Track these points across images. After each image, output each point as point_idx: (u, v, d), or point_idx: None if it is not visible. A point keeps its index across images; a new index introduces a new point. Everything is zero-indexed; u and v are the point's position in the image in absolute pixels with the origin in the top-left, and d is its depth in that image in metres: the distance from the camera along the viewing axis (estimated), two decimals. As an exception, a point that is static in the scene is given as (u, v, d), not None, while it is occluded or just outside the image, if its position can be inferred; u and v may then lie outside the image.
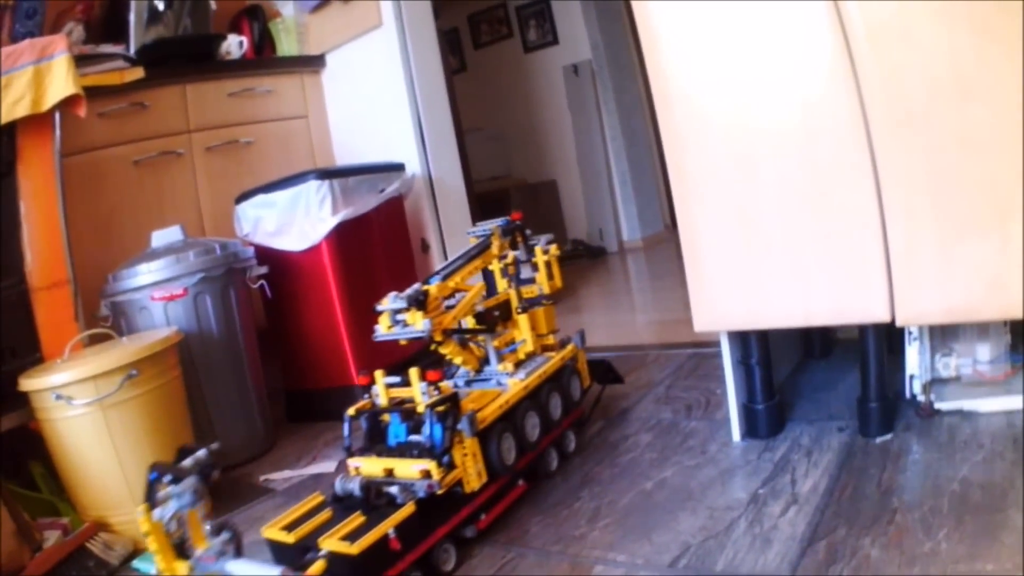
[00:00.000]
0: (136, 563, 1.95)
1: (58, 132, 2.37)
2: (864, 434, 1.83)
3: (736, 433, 1.98)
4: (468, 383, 2.05)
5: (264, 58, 3.82)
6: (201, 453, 1.45)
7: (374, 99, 3.66)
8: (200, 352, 2.51)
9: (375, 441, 1.81)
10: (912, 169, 1.53)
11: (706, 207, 1.81)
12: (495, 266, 2.16)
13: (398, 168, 3.28)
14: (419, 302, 1.73)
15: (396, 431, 1.78)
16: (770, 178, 1.71)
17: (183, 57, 3.36)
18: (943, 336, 1.89)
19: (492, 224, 2.18)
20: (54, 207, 2.35)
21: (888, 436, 1.80)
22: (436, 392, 1.72)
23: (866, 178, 1.59)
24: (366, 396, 1.84)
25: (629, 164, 6.04)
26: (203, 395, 2.51)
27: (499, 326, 2.12)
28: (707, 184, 1.80)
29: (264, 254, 2.88)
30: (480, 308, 2.03)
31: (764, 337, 1.94)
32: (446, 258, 3.62)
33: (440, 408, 1.69)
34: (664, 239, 6.11)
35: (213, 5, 3.58)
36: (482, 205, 4.42)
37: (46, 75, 2.27)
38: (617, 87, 6.01)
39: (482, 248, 2.10)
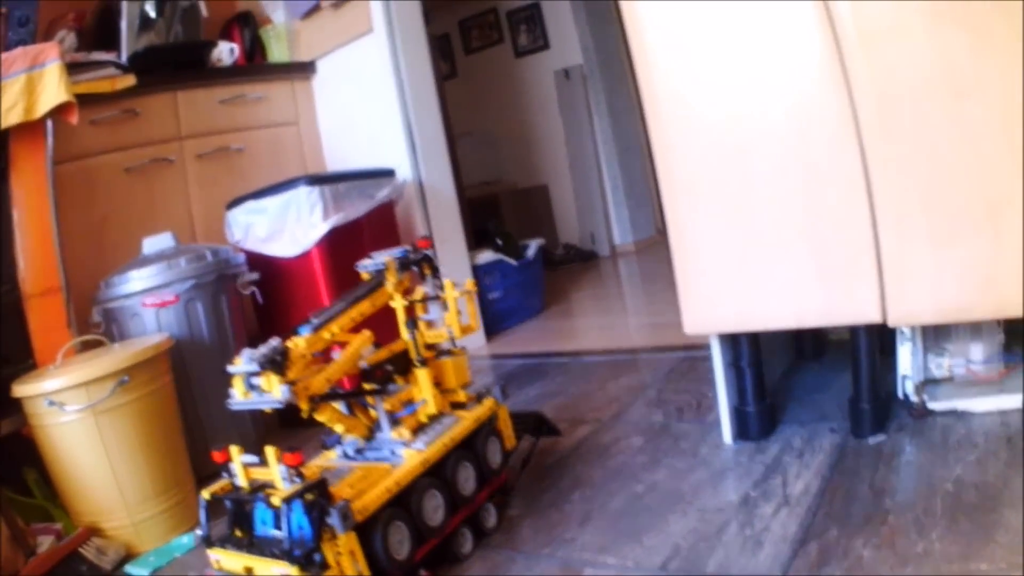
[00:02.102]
0: (128, 568, 1.95)
1: (50, 139, 2.37)
2: (856, 435, 1.84)
3: (727, 435, 1.99)
4: (358, 453, 1.74)
5: (255, 65, 3.83)
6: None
7: (365, 105, 3.66)
8: (192, 358, 2.50)
9: (241, 527, 1.48)
10: (903, 169, 1.53)
11: (696, 208, 1.81)
12: (398, 306, 1.83)
13: (389, 174, 3.29)
14: (275, 363, 1.43)
15: (263, 516, 1.46)
16: (760, 179, 1.71)
17: (174, 64, 3.36)
18: (936, 336, 1.89)
19: (386, 255, 1.84)
20: (46, 214, 2.35)
21: (881, 437, 1.80)
22: (298, 479, 1.39)
23: (857, 178, 1.59)
24: (224, 475, 1.50)
25: (620, 168, 6.05)
26: (195, 401, 2.50)
27: (400, 380, 1.80)
28: (696, 185, 1.80)
29: (255, 260, 2.88)
30: (364, 364, 1.70)
31: (755, 339, 1.94)
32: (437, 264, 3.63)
33: (307, 497, 1.38)
34: (656, 243, 6.12)
35: (204, 12, 3.58)
36: (473, 210, 4.43)
37: (38, 83, 2.27)
38: (608, 91, 6.03)
39: (372, 287, 1.77)
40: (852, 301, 1.66)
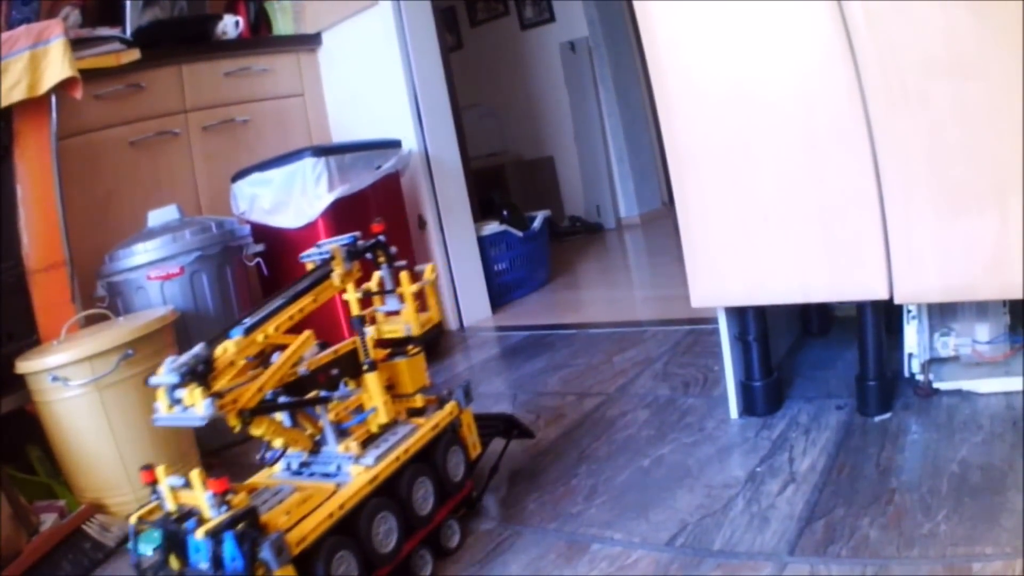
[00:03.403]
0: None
1: (54, 115, 2.36)
2: (862, 412, 1.83)
3: (734, 410, 1.98)
4: (303, 467, 1.54)
5: (260, 38, 3.81)
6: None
7: (371, 77, 3.64)
8: (197, 331, 2.49)
9: (176, 555, 1.26)
10: (910, 146, 1.52)
11: (703, 181, 1.81)
12: (351, 299, 1.66)
13: (395, 145, 3.28)
14: (197, 374, 1.23)
15: (196, 546, 1.24)
16: (767, 153, 1.70)
17: (179, 38, 3.34)
18: (942, 315, 1.88)
19: (333, 243, 1.63)
20: (50, 190, 2.35)
21: (887, 415, 1.80)
22: (225, 507, 1.22)
23: (864, 154, 1.58)
24: (153, 497, 1.30)
25: (626, 141, 6.03)
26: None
27: (352, 384, 1.60)
28: (704, 158, 1.79)
29: (261, 232, 2.87)
30: (303, 370, 1.49)
31: (762, 313, 1.94)
32: (443, 236, 3.62)
33: (238, 527, 1.21)
34: (661, 216, 6.10)
35: (208, -15, 3.57)
36: (478, 181, 4.41)
37: (42, 59, 2.26)
38: (614, 64, 5.99)
39: (315, 280, 1.55)
40: (859, 277, 1.66)
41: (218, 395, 1.25)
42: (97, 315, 2.28)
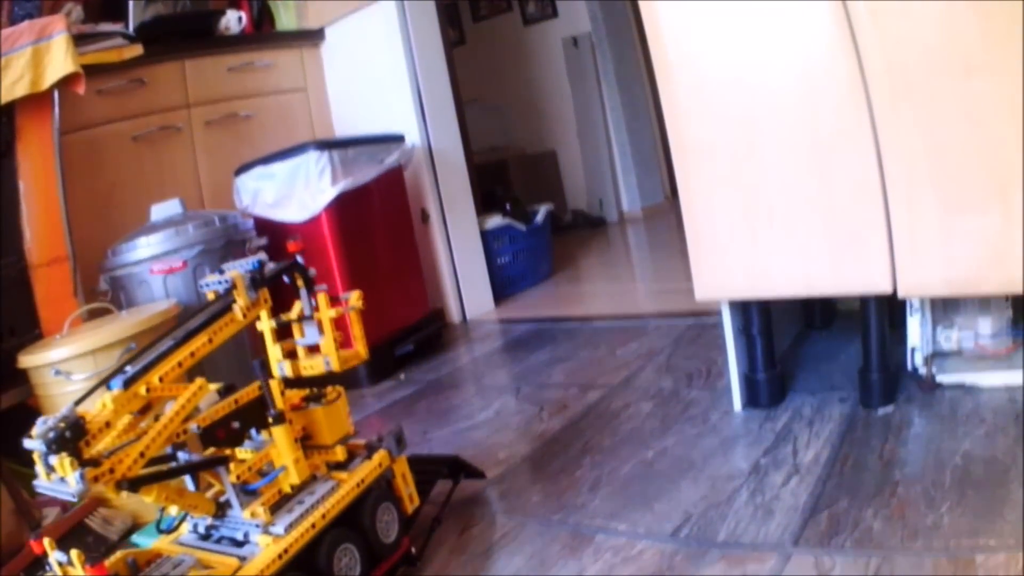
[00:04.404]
0: (135, 537, 1.95)
1: (57, 110, 2.37)
2: (866, 405, 1.83)
3: (737, 403, 1.98)
4: (210, 531, 1.35)
5: (263, 33, 3.81)
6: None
7: (374, 71, 3.64)
8: (200, 325, 2.50)
9: None
10: (913, 140, 1.52)
11: (707, 175, 1.80)
12: (265, 329, 1.49)
13: (398, 139, 3.27)
14: (64, 442, 1.07)
15: None
16: (771, 146, 1.70)
17: (182, 33, 3.34)
18: (945, 309, 1.88)
19: (234, 268, 1.41)
20: (53, 185, 2.35)
21: (890, 408, 1.80)
22: None
23: (867, 148, 1.58)
24: (48, 568, 1.17)
25: (629, 135, 6.02)
26: (202, 366, 2.50)
27: (266, 434, 1.40)
28: (707, 152, 1.79)
29: (263, 226, 2.87)
30: (195, 427, 1.29)
31: (765, 306, 1.94)
32: (446, 229, 3.62)
33: None
34: (664, 210, 6.09)
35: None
36: (481, 176, 4.41)
37: (44, 55, 2.27)
38: (617, 59, 5.98)
39: (212, 315, 1.33)
40: (862, 271, 1.66)
41: (94, 462, 1.08)
42: (100, 309, 2.28)
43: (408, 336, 3.09)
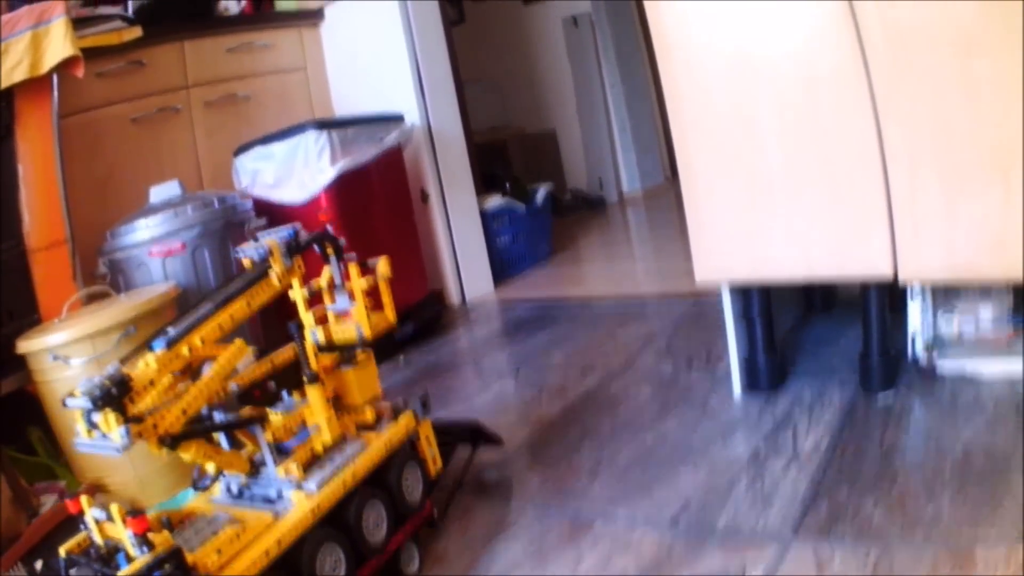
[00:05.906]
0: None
1: (56, 94, 2.36)
2: (866, 388, 1.83)
3: (737, 387, 1.98)
4: (244, 490, 1.39)
5: (262, 13, 3.79)
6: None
7: (373, 51, 3.63)
8: (199, 307, 2.49)
9: None
10: (914, 124, 1.52)
11: (707, 156, 1.80)
12: (297, 297, 1.54)
13: (397, 119, 3.26)
14: (111, 398, 1.10)
15: None
16: (771, 127, 1.70)
17: (181, 15, 3.33)
18: (945, 294, 1.88)
19: (271, 236, 1.45)
20: (52, 168, 2.34)
21: (890, 394, 1.79)
22: (146, 548, 1.10)
23: (868, 131, 1.57)
24: (83, 527, 1.20)
25: (629, 115, 6.00)
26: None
27: (297, 395, 1.46)
28: (708, 133, 1.78)
29: (263, 206, 2.87)
30: (234, 387, 1.38)
31: (766, 290, 1.93)
32: (445, 209, 3.61)
33: (164, 569, 1.09)
34: (664, 190, 6.08)
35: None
36: (481, 155, 4.39)
37: (43, 39, 2.26)
38: (617, 38, 5.96)
39: (249, 281, 1.38)
40: (863, 256, 1.65)
41: (137, 419, 1.12)
42: (99, 292, 2.28)
43: (407, 318, 3.08)
